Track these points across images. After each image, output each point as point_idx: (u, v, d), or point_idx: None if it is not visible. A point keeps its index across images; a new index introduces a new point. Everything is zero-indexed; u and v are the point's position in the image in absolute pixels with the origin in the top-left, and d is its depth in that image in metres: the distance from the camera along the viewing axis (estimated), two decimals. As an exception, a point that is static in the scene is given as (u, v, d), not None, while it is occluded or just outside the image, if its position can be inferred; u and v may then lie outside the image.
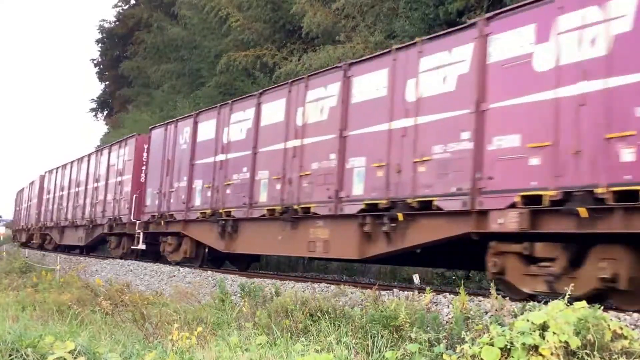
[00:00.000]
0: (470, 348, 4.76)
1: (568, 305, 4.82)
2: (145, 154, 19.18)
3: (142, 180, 19.00)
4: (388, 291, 8.80)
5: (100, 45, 51.88)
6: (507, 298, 6.90)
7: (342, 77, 11.29)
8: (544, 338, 4.54)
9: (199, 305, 9.77)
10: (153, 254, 18.52)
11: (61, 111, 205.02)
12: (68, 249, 27.95)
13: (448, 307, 7.60)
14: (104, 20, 54.25)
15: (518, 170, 7.96)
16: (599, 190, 7.00)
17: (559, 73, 7.68)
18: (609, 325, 4.65)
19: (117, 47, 48.13)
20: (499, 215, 8.08)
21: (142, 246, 18.34)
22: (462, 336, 5.18)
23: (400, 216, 9.63)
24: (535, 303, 6.07)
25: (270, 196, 12.73)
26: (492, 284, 6.84)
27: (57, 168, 30.28)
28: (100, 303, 9.99)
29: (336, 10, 20.35)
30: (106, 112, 54.12)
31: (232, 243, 14.21)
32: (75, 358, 5.22)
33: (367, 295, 7.83)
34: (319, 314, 7.37)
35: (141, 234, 18.31)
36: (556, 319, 4.62)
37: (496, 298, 6.48)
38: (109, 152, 22.61)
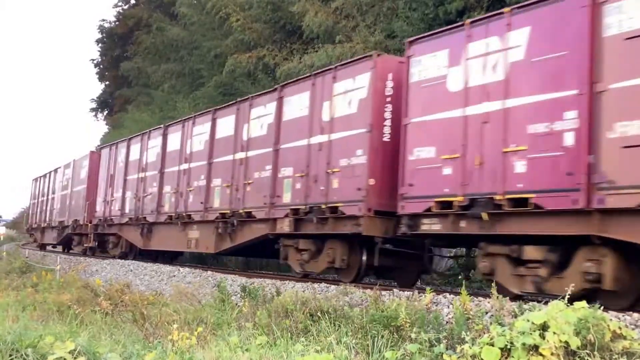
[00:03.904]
0: (471, 348, 4.76)
1: (568, 305, 4.82)
2: (98, 168, 23.71)
3: (95, 189, 23.63)
4: (388, 291, 8.81)
5: (100, 45, 51.76)
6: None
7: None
8: (544, 338, 4.54)
9: (199, 305, 9.77)
10: (105, 250, 23.25)
11: (62, 111, 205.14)
12: (53, 247, 31.63)
13: (448, 307, 7.60)
14: (104, 20, 54.06)
15: (288, 192, 12.22)
16: (322, 206, 11.15)
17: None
18: (609, 326, 4.64)
19: (117, 47, 47.98)
20: (280, 222, 12.40)
21: (93, 244, 23.39)
22: (463, 336, 5.17)
23: (235, 222, 13.91)
24: (535, 303, 6.08)
25: (170, 205, 17.35)
26: (493, 286, 6.86)
27: (42, 176, 34.11)
28: (100, 303, 9.99)
29: (336, 9, 20.34)
30: (106, 112, 54.03)
31: (148, 242, 18.71)
32: (75, 358, 5.21)
33: (368, 296, 7.83)
34: (319, 314, 7.36)
35: (92, 234, 23.28)
36: (556, 319, 4.61)
37: (497, 298, 6.47)
38: (74, 165, 26.75)
